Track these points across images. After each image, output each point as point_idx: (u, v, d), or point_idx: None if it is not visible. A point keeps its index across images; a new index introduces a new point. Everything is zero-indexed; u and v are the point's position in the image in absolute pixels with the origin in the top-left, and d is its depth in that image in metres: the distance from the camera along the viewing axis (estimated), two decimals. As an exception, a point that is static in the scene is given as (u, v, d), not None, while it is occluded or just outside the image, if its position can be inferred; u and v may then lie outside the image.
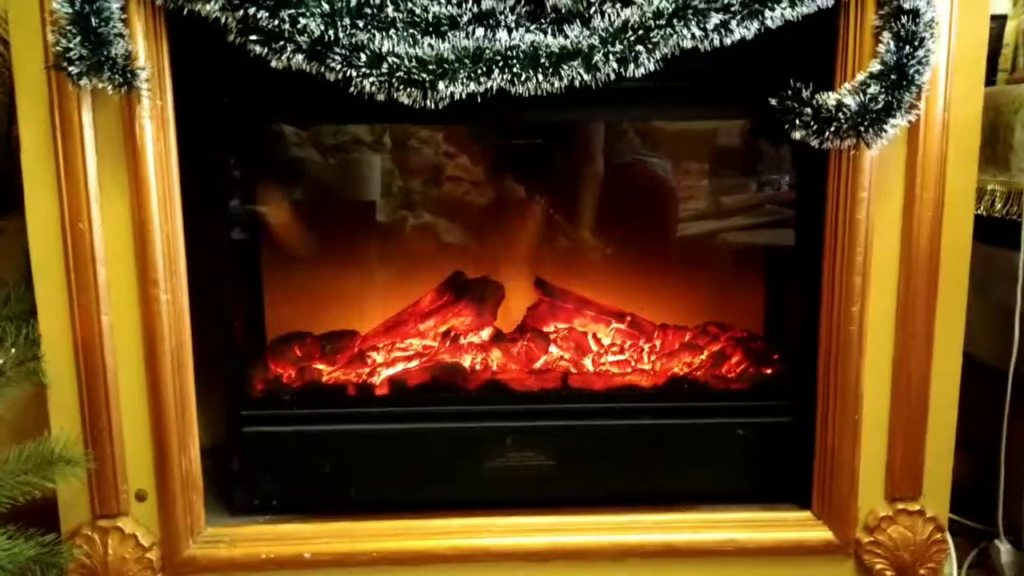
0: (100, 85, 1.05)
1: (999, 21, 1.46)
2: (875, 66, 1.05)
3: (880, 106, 1.03)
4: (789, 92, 1.11)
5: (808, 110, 1.09)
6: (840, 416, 1.21)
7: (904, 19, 1.05)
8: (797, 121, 1.10)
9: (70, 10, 1.01)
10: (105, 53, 1.04)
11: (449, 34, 1.05)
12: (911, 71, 1.03)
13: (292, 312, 1.49)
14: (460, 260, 1.49)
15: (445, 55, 1.04)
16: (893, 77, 1.03)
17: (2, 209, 1.48)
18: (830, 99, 1.08)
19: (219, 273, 1.27)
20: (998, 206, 1.29)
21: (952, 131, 1.14)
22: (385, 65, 1.04)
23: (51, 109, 1.11)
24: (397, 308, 1.48)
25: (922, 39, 1.04)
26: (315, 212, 1.50)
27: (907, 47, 1.04)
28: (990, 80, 1.46)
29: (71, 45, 1.03)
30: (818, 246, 1.20)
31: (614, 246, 1.51)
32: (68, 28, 1.02)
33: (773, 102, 1.11)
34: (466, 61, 1.04)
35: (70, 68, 1.04)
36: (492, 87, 1.05)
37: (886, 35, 1.06)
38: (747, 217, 1.48)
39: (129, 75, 1.06)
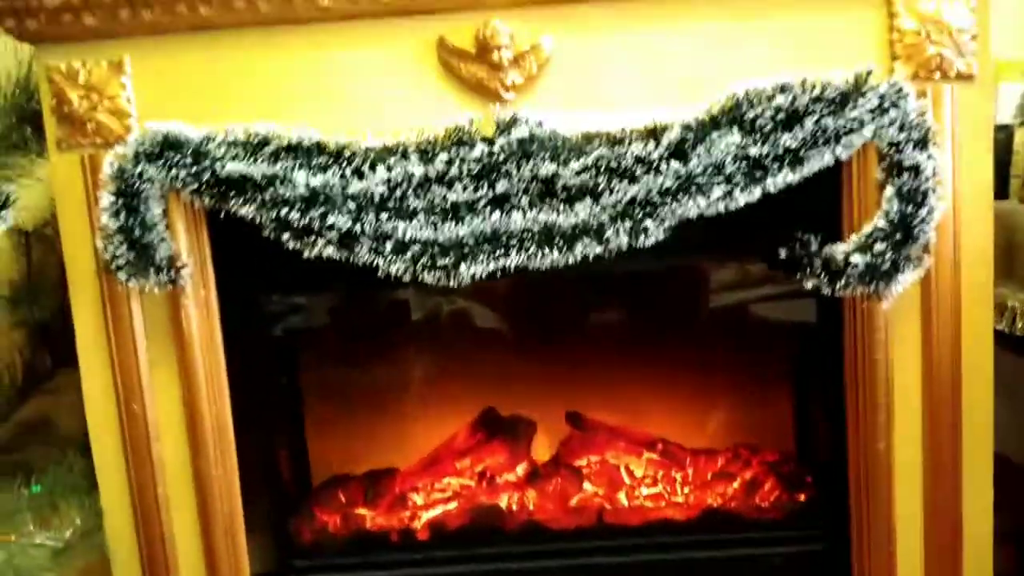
0: (147, 286, 1.13)
1: (1006, 131, 1.48)
2: (880, 222, 1.09)
3: (887, 265, 1.07)
4: (797, 244, 1.15)
5: (818, 261, 1.13)
6: (875, 548, 1.22)
7: (905, 176, 1.08)
8: (808, 271, 1.14)
9: (116, 224, 1.10)
10: (149, 258, 1.12)
11: (468, 218, 1.11)
12: (916, 229, 1.06)
13: (334, 447, 1.55)
14: (492, 391, 1.54)
15: (464, 239, 1.11)
16: (898, 236, 1.06)
17: (57, 364, 1.58)
18: (838, 252, 1.11)
19: (264, 422, 1.34)
20: (1020, 324, 1.30)
21: (964, 261, 1.16)
22: (410, 252, 1.11)
23: (102, 300, 1.20)
24: (433, 441, 1.53)
25: (924, 195, 1.07)
26: (352, 349, 1.56)
27: (910, 205, 1.07)
28: (1003, 189, 1.47)
29: (118, 253, 1.11)
30: (840, 378, 1.23)
31: (642, 366, 1.55)
32: (115, 238, 1.11)
33: (782, 253, 1.15)
34: (484, 244, 1.10)
35: (118, 273, 1.12)
36: (510, 265, 1.11)
37: (889, 189, 1.09)
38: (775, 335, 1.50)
39: (173, 274, 1.14)
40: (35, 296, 1.48)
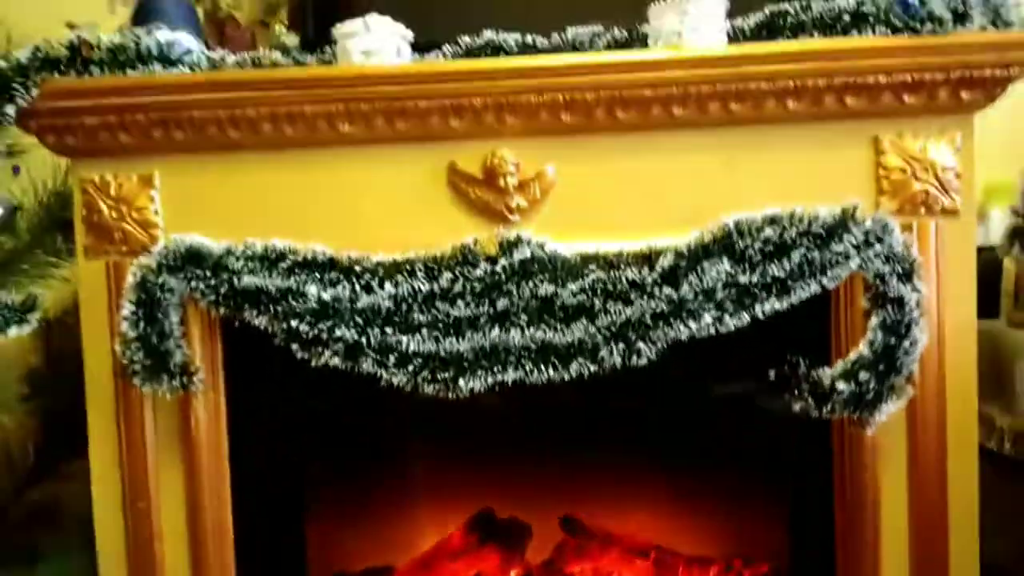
0: (160, 391, 1.18)
1: (994, 251, 1.53)
2: (865, 350, 1.13)
3: (871, 395, 1.10)
4: (787, 366, 1.19)
5: (805, 385, 1.16)
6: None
7: (890, 308, 1.13)
8: (796, 393, 1.17)
9: (135, 332, 1.16)
10: (165, 365, 1.17)
11: (468, 334, 1.16)
12: (899, 361, 1.10)
13: (333, 543, 1.57)
14: (490, 492, 1.57)
15: (465, 354, 1.15)
16: (882, 367, 1.10)
17: (73, 450, 1.63)
18: (825, 377, 1.15)
19: (264, 517, 1.37)
20: (1007, 446, 1.33)
21: (948, 391, 1.20)
22: (411, 365, 1.15)
23: (116, 400, 1.25)
24: (431, 539, 1.55)
25: (908, 328, 1.11)
26: (352, 450, 1.59)
27: (893, 337, 1.11)
28: (992, 308, 1.51)
29: (135, 359, 1.17)
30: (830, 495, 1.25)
31: (641, 472, 1.57)
32: (132, 344, 1.16)
33: (772, 375, 1.19)
34: (483, 360, 1.15)
35: (134, 378, 1.18)
36: (508, 380, 1.16)
37: (874, 319, 1.14)
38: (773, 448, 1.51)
39: (186, 380, 1.19)
40: (54, 384, 1.54)
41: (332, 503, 1.57)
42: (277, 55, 1.30)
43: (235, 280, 1.16)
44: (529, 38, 1.27)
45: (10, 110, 1.16)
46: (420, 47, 1.33)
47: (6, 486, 1.54)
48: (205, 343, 1.24)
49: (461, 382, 1.15)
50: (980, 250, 1.46)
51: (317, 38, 1.43)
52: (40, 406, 1.57)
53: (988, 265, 1.38)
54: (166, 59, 1.20)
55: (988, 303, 1.50)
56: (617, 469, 1.58)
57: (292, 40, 1.39)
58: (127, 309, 1.16)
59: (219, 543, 1.25)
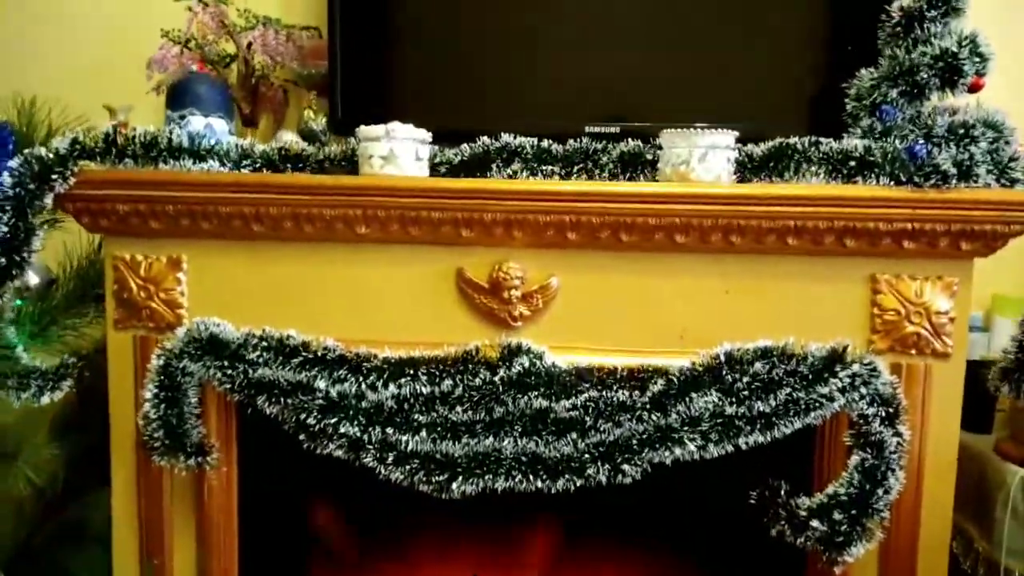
0: (177, 467, 1.27)
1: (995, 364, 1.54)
2: (841, 490, 1.17)
3: (842, 537, 1.15)
4: (767, 491, 1.24)
5: (784, 512, 1.21)
6: None
7: (870, 450, 1.17)
8: (775, 518, 1.22)
9: (156, 414, 1.25)
10: (182, 443, 1.26)
11: (464, 438, 1.23)
12: (872, 506, 1.15)
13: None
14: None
15: (459, 459, 1.22)
16: (855, 511, 1.15)
17: (103, 481, 1.73)
18: (801, 508, 1.20)
19: None
20: (981, 571, 1.36)
21: (923, 532, 1.24)
22: (408, 465, 1.23)
23: (138, 464, 1.35)
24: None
25: (885, 475, 1.15)
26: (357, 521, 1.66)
27: (869, 482, 1.15)
28: (985, 424, 1.53)
29: (155, 436, 1.26)
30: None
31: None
32: (153, 423, 1.25)
33: (752, 498, 1.24)
34: (475, 467, 1.22)
35: (152, 453, 1.27)
36: (498, 488, 1.22)
37: (854, 459, 1.18)
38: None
39: (201, 457, 1.28)
40: (84, 422, 1.64)
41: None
42: (303, 144, 1.36)
43: (250, 371, 1.24)
44: (545, 143, 1.31)
45: (48, 199, 1.23)
46: (444, 136, 1.38)
47: (34, 511, 1.65)
48: (221, 419, 1.32)
49: (454, 485, 1.22)
50: (983, 363, 1.48)
51: (345, 119, 1.50)
52: (69, 438, 1.67)
53: (985, 378, 1.40)
54: (196, 153, 1.26)
55: (983, 417, 1.53)
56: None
57: (320, 123, 1.44)
58: (150, 391, 1.25)
59: (225, 603, 1.35)
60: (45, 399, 1.30)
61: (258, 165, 1.31)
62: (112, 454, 1.37)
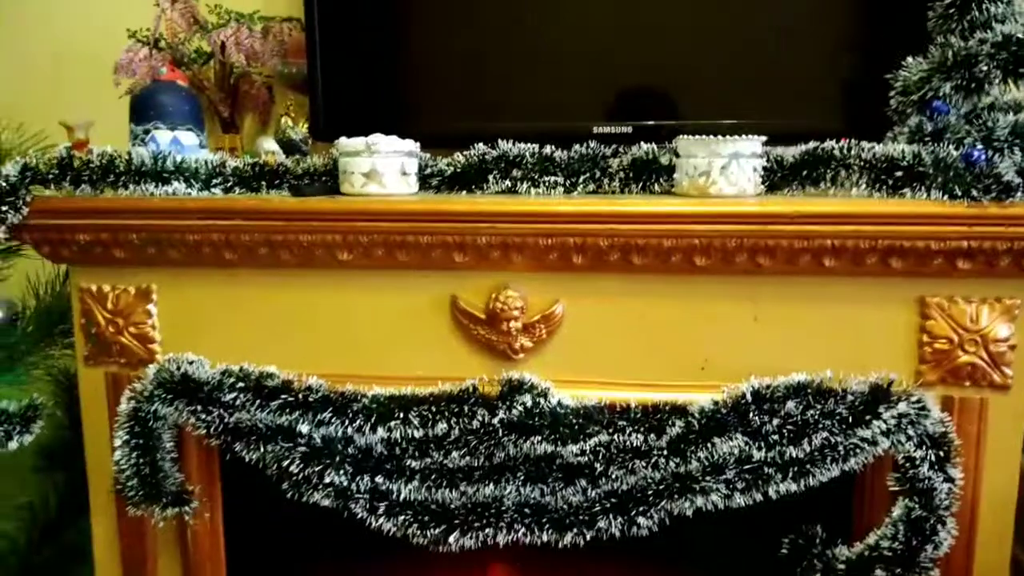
0: (155, 518, 1.18)
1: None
2: (884, 542, 1.04)
3: (884, 599, 1.02)
4: (801, 537, 1.11)
5: (819, 563, 1.09)
6: None
7: (917, 499, 1.03)
8: (808, 569, 1.10)
9: (129, 462, 1.15)
10: (158, 492, 1.16)
11: (462, 486, 1.11)
12: (919, 564, 1.02)
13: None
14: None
15: (456, 509, 1.11)
16: (898, 570, 1.02)
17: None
18: (839, 560, 1.07)
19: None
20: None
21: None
22: (402, 516, 1.12)
23: (117, 506, 1.25)
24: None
25: (935, 527, 1.02)
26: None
27: (917, 536, 1.02)
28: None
29: (128, 484, 1.16)
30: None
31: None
32: (126, 472, 1.15)
33: (785, 547, 1.12)
34: (474, 519, 1.10)
35: (128, 504, 1.17)
36: (500, 541, 1.11)
37: (899, 509, 1.04)
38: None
39: (179, 506, 1.18)
40: (72, 449, 1.56)
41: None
42: (281, 157, 1.23)
43: (227, 415, 1.13)
44: (547, 150, 1.17)
45: (0, 233, 1.12)
46: (438, 140, 1.25)
47: (28, 537, 1.59)
48: (202, 460, 1.22)
49: (451, 538, 1.11)
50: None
51: (328, 125, 1.36)
52: (60, 471, 1.59)
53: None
54: (159, 175, 1.14)
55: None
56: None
57: (300, 131, 1.30)
58: (120, 438, 1.15)
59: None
60: (13, 444, 1.20)
61: (230, 184, 1.19)
62: (91, 499, 1.28)
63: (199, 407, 1.13)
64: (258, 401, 1.13)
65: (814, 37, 1.29)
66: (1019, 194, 0.97)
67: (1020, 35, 1.01)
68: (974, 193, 0.98)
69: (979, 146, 1.00)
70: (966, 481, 1.06)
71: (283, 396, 1.13)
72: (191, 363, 1.16)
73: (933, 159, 1.00)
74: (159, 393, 1.14)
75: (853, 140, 1.07)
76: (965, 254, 1.02)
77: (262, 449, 1.13)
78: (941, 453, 1.03)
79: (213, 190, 1.18)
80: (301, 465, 1.11)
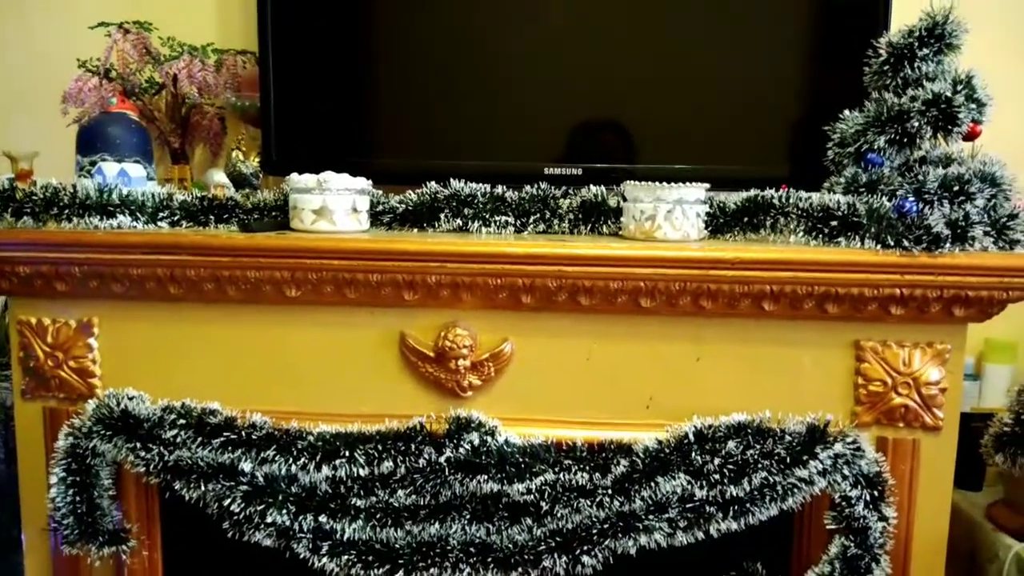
0: (90, 557, 1.15)
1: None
2: (821, 583, 1.06)
3: (821, 636, 1.04)
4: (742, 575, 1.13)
5: (759, 601, 1.11)
6: None
7: (853, 536, 1.06)
8: (749, 605, 1.12)
9: (64, 499, 1.12)
10: (94, 531, 1.13)
11: (407, 525, 1.11)
12: (855, 603, 1.04)
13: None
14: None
15: (402, 549, 1.10)
16: (835, 612, 1.04)
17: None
18: (779, 598, 1.09)
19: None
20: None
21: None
22: (345, 557, 1.10)
23: (52, 545, 1.22)
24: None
25: (869, 565, 1.05)
26: None
27: (852, 574, 1.04)
28: (976, 481, 1.43)
29: (64, 523, 1.13)
30: None
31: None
32: (61, 510, 1.12)
33: (726, 583, 1.14)
34: (418, 560, 1.10)
35: (63, 543, 1.14)
36: (446, 580, 1.11)
37: (835, 547, 1.07)
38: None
39: (116, 545, 1.15)
40: (5, 485, 1.51)
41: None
42: (231, 190, 1.23)
43: (167, 453, 1.11)
44: (498, 190, 1.18)
45: (-63, 264, 1.10)
46: (388, 175, 1.26)
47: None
48: (141, 496, 1.20)
49: (396, 579, 1.10)
50: (974, 416, 1.39)
51: (280, 159, 1.36)
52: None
53: (978, 433, 1.29)
54: (104, 208, 1.12)
55: (974, 475, 1.43)
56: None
57: (251, 165, 1.30)
58: (56, 476, 1.12)
59: None
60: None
61: (177, 218, 1.18)
62: (24, 536, 1.24)
63: (139, 444, 1.11)
64: (200, 438, 1.11)
65: (759, 88, 1.34)
66: (948, 245, 1.02)
67: (948, 94, 1.06)
68: (905, 243, 1.02)
69: (911, 198, 1.04)
70: (899, 520, 1.10)
71: (226, 433, 1.11)
72: (131, 399, 1.14)
73: (867, 209, 1.04)
74: (98, 429, 1.12)
75: (792, 189, 1.10)
76: (898, 301, 1.06)
77: (203, 488, 1.11)
78: (876, 492, 1.06)
79: (160, 224, 1.16)
80: (243, 504, 1.10)
